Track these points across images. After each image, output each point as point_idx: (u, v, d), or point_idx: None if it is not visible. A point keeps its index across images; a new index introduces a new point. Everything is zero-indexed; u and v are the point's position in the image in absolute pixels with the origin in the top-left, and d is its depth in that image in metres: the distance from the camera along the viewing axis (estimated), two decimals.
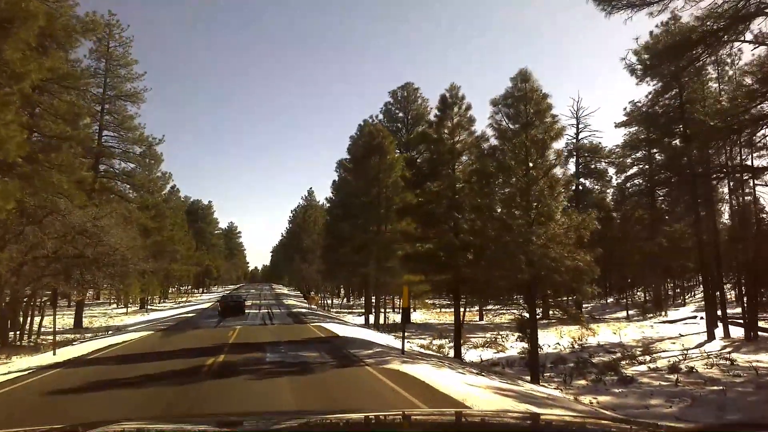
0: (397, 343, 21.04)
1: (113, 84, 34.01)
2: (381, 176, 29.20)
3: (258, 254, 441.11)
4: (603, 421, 2.84)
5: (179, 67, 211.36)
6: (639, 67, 31.52)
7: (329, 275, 36.54)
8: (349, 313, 47.10)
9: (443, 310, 49.08)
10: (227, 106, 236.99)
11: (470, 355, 23.30)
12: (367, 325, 30.43)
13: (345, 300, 59.80)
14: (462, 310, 40.21)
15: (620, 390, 17.33)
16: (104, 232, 23.61)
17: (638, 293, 60.47)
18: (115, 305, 52.14)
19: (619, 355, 23.00)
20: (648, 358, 23.59)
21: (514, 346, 27.91)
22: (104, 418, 4.44)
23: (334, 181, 33.24)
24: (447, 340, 29.01)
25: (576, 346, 26.10)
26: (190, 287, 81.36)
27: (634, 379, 18.54)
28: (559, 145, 16.21)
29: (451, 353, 22.65)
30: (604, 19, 13.84)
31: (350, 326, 26.17)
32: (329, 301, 49.94)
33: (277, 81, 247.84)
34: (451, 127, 19.33)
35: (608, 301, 56.02)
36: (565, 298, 20.98)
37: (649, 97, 31.39)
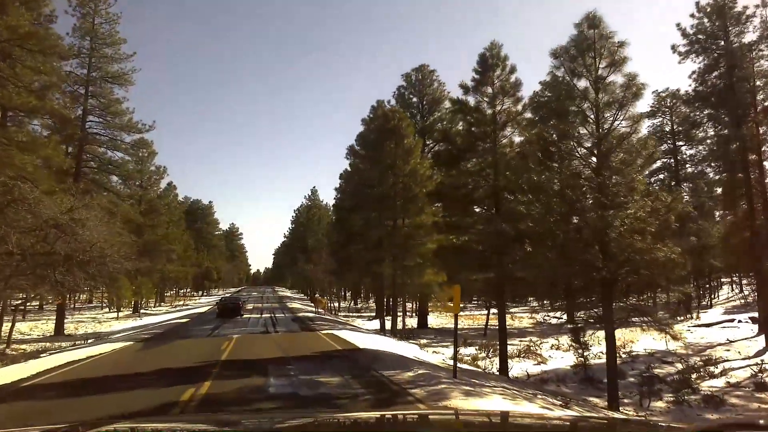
0: (428, 356, 17.54)
1: (98, 65, 30.66)
2: (398, 163, 25.74)
3: (260, 257, 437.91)
4: (603, 421, 2.87)
5: (178, 65, 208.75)
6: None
7: (340, 275, 33.00)
8: (358, 317, 43.62)
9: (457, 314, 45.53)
10: (227, 106, 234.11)
11: (514, 365, 19.85)
12: (382, 331, 26.94)
13: (352, 303, 56.32)
14: (486, 312, 36.83)
15: (715, 416, 13.88)
16: (80, 225, 20.25)
17: (658, 296, 56.80)
18: (107, 309, 48.72)
19: (679, 366, 19.63)
20: (715, 369, 20.17)
21: (552, 356, 24.38)
22: None
23: (344, 170, 29.82)
24: (475, 348, 25.64)
25: (622, 355, 22.77)
26: (189, 290, 77.91)
27: (723, 401, 15.09)
28: (635, 109, 12.72)
29: (486, 364, 19.19)
30: None
31: (365, 333, 22.70)
32: (336, 305, 46.52)
33: (277, 77, 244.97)
34: (492, 94, 15.88)
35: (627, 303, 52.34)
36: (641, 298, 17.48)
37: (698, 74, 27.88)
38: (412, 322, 38.07)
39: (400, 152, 25.74)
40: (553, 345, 28.05)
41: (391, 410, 3.81)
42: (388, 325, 37.92)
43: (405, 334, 26.41)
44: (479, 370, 16.59)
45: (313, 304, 36.98)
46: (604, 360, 20.01)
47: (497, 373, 16.40)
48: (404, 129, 25.96)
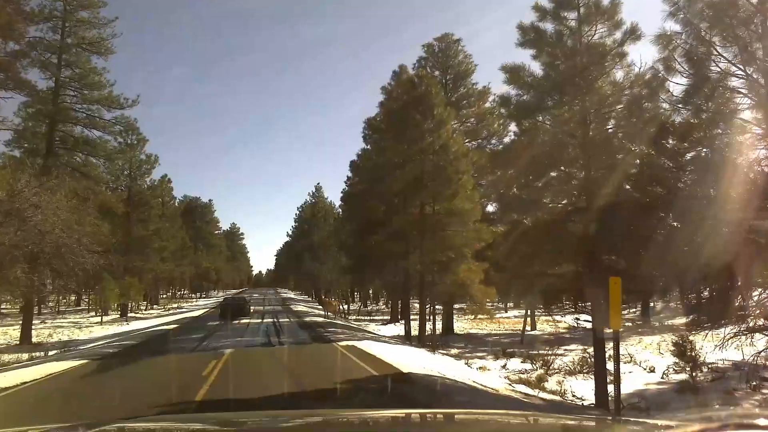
0: (486, 378, 13.12)
1: (73, 29, 26.33)
2: (427, 138, 21.35)
3: (262, 259, 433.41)
4: (603, 421, 2.65)
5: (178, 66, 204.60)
6: None
7: (358, 273, 28.46)
8: (370, 320, 39.15)
9: (477, 317, 41.13)
10: (227, 107, 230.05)
11: (578, 385, 15.29)
12: (408, 339, 22.49)
13: (362, 305, 51.82)
14: (526, 314, 32.31)
15: None
16: (32, 211, 15.96)
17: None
18: (94, 313, 44.29)
19: None
20: None
21: (629, 370, 19.85)
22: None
23: (359, 152, 25.36)
24: (520, 359, 21.28)
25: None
26: (185, 292, 73.52)
27: None
28: None
29: (563, 387, 14.69)
30: None
31: (391, 344, 18.26)
32: (345, 307, 42.11)
33: (280, 72, 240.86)
34: (581, 16, 11.43)
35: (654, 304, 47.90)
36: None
37: None
38: (431, 326, 33.52)
39: (430, 125, 21.35)
40: (611, 356, 23.24)
41: (397, 410, 3.30)
42: (398, 328, 33.54)
43: (432, 342, 21.96)
44: (560, 399, 12.12)
45: (321, 307, 32.37)
46: (648, 376, 15.55)
47: (592, 403, 11.89)
48: (434, 97, 21.54)
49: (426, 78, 22.16)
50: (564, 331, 37.13)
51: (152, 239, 40.15)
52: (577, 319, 38.79)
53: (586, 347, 26.99)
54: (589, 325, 33.78)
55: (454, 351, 24.12)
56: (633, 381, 14.57)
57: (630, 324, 38.40)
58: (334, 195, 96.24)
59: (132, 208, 40.19)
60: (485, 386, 10.80)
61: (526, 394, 12.56)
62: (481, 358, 23.26)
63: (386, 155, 22.38)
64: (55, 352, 18.46)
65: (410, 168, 21.61)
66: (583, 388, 14.52)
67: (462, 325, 35.87)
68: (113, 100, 26.74)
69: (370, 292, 62.30)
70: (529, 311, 34.49)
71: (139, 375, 10.15)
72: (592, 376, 18.56)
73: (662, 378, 14.93)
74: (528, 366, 19.55)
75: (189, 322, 27.98)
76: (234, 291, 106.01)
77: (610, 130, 10.99)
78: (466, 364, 16.20)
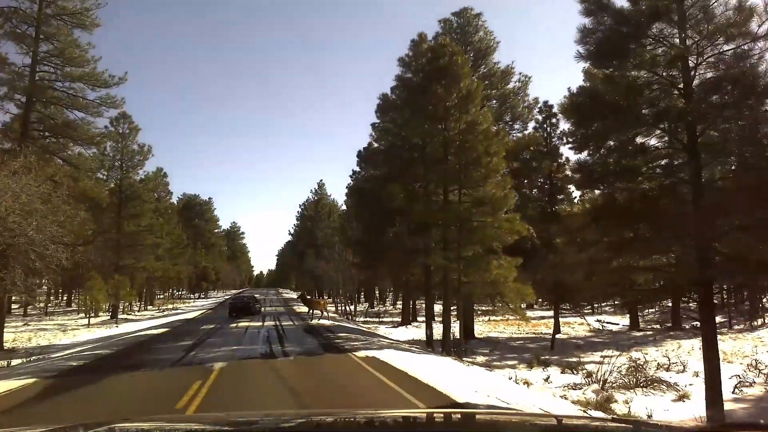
0: (554, 402, 10.22)
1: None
2: (452, 113, 18.52)
3: (263, 260, 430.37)
4: (606, 423, 2.54)
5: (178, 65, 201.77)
6: None
7: (371, 269, 25.59)
8: (379, 322, 36.27)
9: (491, 318, 38.26)
10: (228, 106, 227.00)
11: (649, 404, 12.35)
12: (429, 346, 19.63)
13: (369, 306, 48.92)
14: (554, 317, 29.36)
15: None
16: None
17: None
18: (84, 314, 41.38)
19: None
20: None
21: (677, 381, 17.00)
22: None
23: (375, 134, 22.38)
24: (559, 369, 18.58)
25: None
26: (183, 292, 70.67)
27: None
28: None
29: (629, 407, 11.79)
30: None
31: (415, 353, 15.39)
32: (351, 308, 39.25)
33: (283, 67, 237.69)
34: None
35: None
36: None
37: None
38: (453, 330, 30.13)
39: (454, 100, 18.50)
40: (661, 364, 20.32)
41: (399, 410, 3.66)
42: (411, 331, 30.66)
43: (458, 349, 19.10)
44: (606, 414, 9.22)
45: (309, 308, 27.94)
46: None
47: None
48: (459, 68, 18.69)
49: (450, 46, 19.29)
50: (590, 333, 34.35)
51: (145, 235, 37.34)
52: (601, 321, 35.57)
53: (622, 352, 24.15)
54: (615, 327, 30.21)
55: (480, 359, 21.30)
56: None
57: (652, 329, 35.59)
58: (336, 193, 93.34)
59: (123, 202, 37.48)
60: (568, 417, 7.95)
61: (603, 420, 9.82)
62: (512, 366, 20.47)
63: (404, 135, 19.53)
64: (18, 361, 15.63)
65: (432, 149, 18.79)
66: (658, 406, 11.65)
67: (478, 327, 33.07)
68: (97, 78, 23.91)
69: (376, 292, 59.42)
70: (555, 312, 31.77)
71: (90, 406, 7.32)
72: (654, 391, 15.59)
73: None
74: (574, 378, 16.72)
75: (181, 325, 25.13)
76: (234, 291, 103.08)
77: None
78: (513, 380, 13.34)
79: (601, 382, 15.59)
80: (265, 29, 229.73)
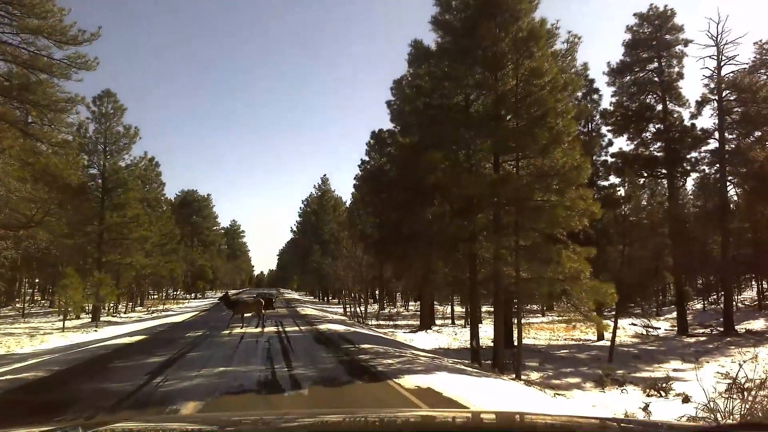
0: None
1: None
2: (509, 58, 14.25)
3: (264, 260, 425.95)
4: (606, 423, 2.48)
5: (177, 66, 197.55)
6: None
7: (391, 262, 21.23)
8: (394, 326, 31.99)
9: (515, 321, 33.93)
10: (228, 106, 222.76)
11: None
12: (475, 360, 15.30)
13: (380, 307, 44.57)
14: (615, 322, 24.85)
15: None
16: None
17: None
18: (64, 316, 37.01)
19: None
20: None
21: None
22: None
23: (388, 104, 18.11)
24: (636, 389, 14.52)
25: None
26: (179, 292, 66.37)
27: None
28: None
29: None
30: None
31: (471, 375, 11.12)
32: (361, 309, 34.99)
33: (286, 61, 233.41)
34: None
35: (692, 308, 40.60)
36: None
37: None
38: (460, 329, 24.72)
39: (513, 40, 14.22)
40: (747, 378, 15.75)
41: (398, 410, 3.69)
42: (433, 337, 26.45)
43: (516, 365, 14.79)
44: None
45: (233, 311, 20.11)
46: None
47: None
48: (518, 1, 14.44)
49: None
50: (635, 339, 30.12)
51: (131, 227, 33.09)
52: (646, 324, 29.81)
53: (695, 364, 20.06)
54: (658, 332, 24.79)
55: (533, 375, 17.05)
56: None
57: (703, 333, 31.31)
58: (339, 191, 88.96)
59: (106, 190, 33.26)
60: None
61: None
62: (577, 386, 16.22)
63: (443, 92, 15.22)
64: None
65: (482, 106, 14.50)
66: None
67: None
68: (63, 32, 19.64)
69: (384, 292, 55.09)
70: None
71: None
72: None
73: None
74: (673, 406, 12.48)
75: (165, 331, 20.86)
76: (233, 291, 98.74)
77: None
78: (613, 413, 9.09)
79: (726, 414, 11.23)
80: (266, 26, 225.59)
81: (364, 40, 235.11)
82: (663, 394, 14.60)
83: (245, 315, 20.78)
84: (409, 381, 8.70)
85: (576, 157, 14.04)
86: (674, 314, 35.01)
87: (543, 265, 13.24)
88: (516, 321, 14.53)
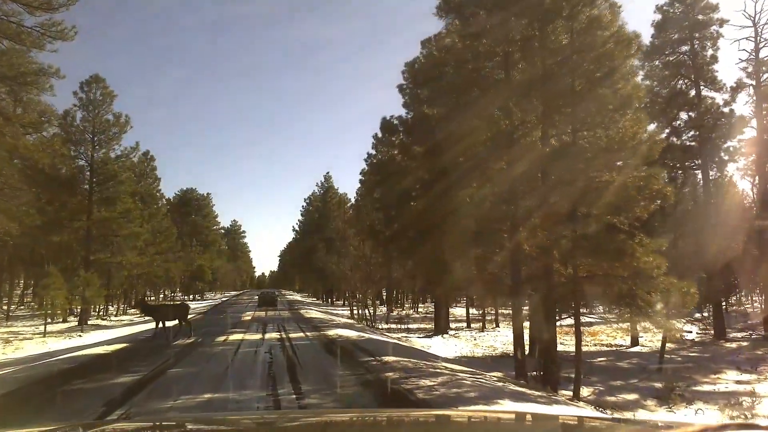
0: None
1: None
2: (563, 5, 11.66)
3: (264, 261, 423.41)
4: (606, 423, 2.41)
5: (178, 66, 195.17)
6: None
7: (405, 259, 18.60)
8: (407, 330, 29.40)
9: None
10: (228, 106, 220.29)
11: None
12: (521, 376, 12.65)
13: (389, 310, 41.93)
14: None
15: None
16: None
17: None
18: (51, 319, 34.40)
19: None
20: None
21: None
22: None
23: (409, 63, 15.47)
24: (710, 408, 11.95)
25: None
26: (176, 293, 63.80)
27: None
28: None
29: None
30: None
31: (533, 401, 8.56)
32: (369, 312, 32.44)
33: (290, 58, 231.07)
34: None
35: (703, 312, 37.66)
36: None
37: None
38: (495, 335, 21.81)
39: None
40: None
41: (398, 410, 3.63)
42: (449, 343, 23.85)
43: (575, 386, 12.17)
44: None
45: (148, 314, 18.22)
46: None
47: None
48: None
49: None
50: (672, 346, 27.48)
51: (121, 223, 30.55)
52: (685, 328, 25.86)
53: (758, 375, 17.63)
54: (692, 336, 23.65)
55: (584, 391, 14.44)
56: None
57: (743, 338, 28.69)
58: (343, 190, 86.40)
59: (94, 183, 30.73)
60: None
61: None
62: (636, 403, 13.71)
63: (481, 50, 12.58)
64: None
65: (523, 67, 11.89)
66: None
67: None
68: None
69: (392, 293, 52.46)
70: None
71: None
72: None
73: None
74: None
75: (152, 337, 18.25)
76: (234, 292, 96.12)
77: None
78: None
79: None
80: (269, 30, 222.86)
81: (365, 40, 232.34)
82: (745, 415, 12.04)
83: (166, 324, 16.70)
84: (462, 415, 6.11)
85: (646, 128, 11.45)
86: (696, 316, 32.44)
87: (612, 258, 10.63)
88: (575, 329, 11.89)
